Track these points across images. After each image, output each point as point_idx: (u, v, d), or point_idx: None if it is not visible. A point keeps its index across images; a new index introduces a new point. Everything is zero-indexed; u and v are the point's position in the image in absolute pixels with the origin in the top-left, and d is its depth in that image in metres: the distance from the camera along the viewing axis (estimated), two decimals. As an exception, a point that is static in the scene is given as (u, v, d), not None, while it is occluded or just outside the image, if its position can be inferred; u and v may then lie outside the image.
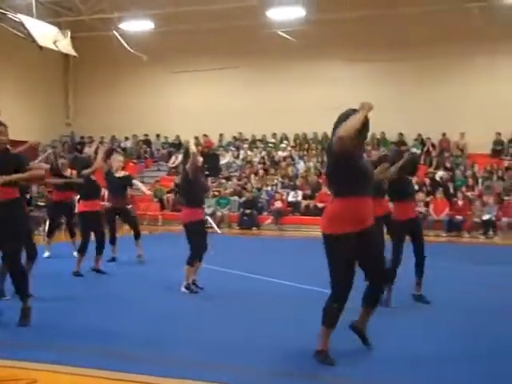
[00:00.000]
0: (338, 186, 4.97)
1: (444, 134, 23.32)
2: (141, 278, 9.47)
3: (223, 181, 22.88)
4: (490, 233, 18.60)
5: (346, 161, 4.87)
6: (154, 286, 8.62)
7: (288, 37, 22.39)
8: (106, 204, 11.06)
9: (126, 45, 22.54)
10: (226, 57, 24.83)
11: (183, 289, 8.12)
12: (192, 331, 6.09)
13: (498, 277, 10.12)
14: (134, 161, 26.04)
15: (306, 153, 24.06)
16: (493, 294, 8.38)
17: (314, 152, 23.94)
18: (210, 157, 23.04)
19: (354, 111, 4.87)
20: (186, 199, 8.30)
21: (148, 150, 26.57)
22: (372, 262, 5.07)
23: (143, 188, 11.85)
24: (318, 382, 4.69)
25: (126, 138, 27.20)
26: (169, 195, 22.42)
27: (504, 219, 18.52)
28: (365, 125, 4.87)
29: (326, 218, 4.98)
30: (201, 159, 8.30)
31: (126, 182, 11.09)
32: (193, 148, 8.07)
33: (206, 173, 21.16)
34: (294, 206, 21.06)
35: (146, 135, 26.88)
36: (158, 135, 26.82)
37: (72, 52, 19.58)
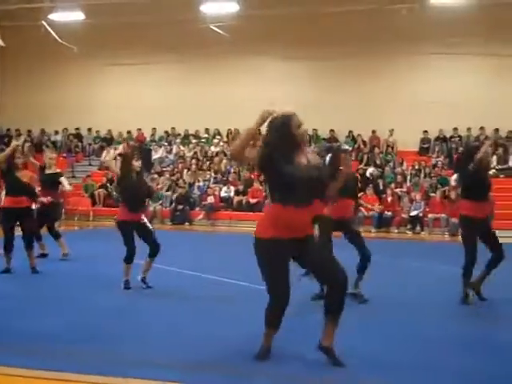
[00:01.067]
0: (269, 192, 4.97)
1: (374, 132, 23.80)
2: (75, 274, 9.30)
3: (155, 176, 22.69)
4: (418, 228, 19.10)
5: (265, 171, 4.83)
6: (89, 284, 8.49)
7: (221, 32, 22.37)
8: (45, 200, 10.69)
9: (55, 36, 22.07)
10: (159, 51, 24.59)
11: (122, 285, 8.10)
12: (128, 328, 6.03)
13: (426, 271, 10.41)
14: (64, 155, 25.53)
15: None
16: (424, 289, 8.61)
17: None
18: (143, 152, 22.90)
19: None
20: (120, 197, 8.52)
21: (79, 144, 26.10)
22: (318, 270, 4.90)
23: (65, 183, 11.52)
24: (250, 378, 4.72)
25: (56, 132, 26.65)
26: (100, 190, 22.09)
27: (430, 215, 19.04)
28: (283, 132, 4.69)
29: (259, 221, 4.98)
30: (137, 163, 8.15)
31: (56, 178, 10.91)
32: (111, 154, 8.16)
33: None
34: (226, 202, 21.11)
35: (77, 129, 26.40)
36: (89, 129, 26.39)
37: (0, 42, 19.07)
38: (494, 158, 20.03)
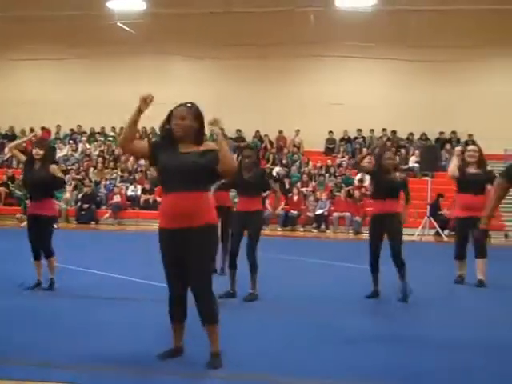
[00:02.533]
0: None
1: (281, 132, 24.14)
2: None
3: (60, 174, 22.13)
4: (323, 227, 19.53)
5: (148, 160, 4.95)
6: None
7: (128, 29, 22.12)
8: None
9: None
10: (66, 47, 23.98)
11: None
12: (29, 331, 5.90)
13: (331, 269, 10.67)
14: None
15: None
16: (328, 286, 8.83)
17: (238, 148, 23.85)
18: (46, 147, 22.27)
19: None
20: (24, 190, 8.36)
21: (-22, 140, 25.20)
22: (187, 266, 4.72)
23: None
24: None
25: (-45, 128, 25.64)
26: (1, 188, 21.38)
27: (335, 214, 19.50)
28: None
29: None
30: (38, 151, 7.93)
31: None
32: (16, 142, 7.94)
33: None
34: (133, 201, 20.89)
35: (-24, 125, 25.48)
36: (-11, 125, 25.52)
37: None
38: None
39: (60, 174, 8.23)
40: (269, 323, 6.31)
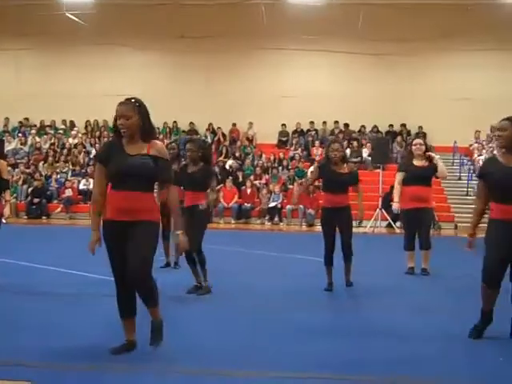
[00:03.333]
0: None
1: (234, 125, 24.14)
2: None
3: (9, 168, 21.75)
4: (276, 219, 19.61)
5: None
6: None
7: (78, 20, 21.80)
8: None
9: None
10: (14, 37, 23.57)
11: None
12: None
13: (286, 261, 10.75)
14: None
15: (97, 140, 23.61)
16: (279, 277, 8.89)
17: (105, 139, 23.55)
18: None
19: None
20: None
21: None
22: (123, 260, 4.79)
23: None
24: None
25: None
26: None
27: (288, 206, 19.61)
28: None
29: None
30: None
31: None
32: None
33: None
34: (85, 195, 20.64)
35: None
36: None
37: None
38: (348, 151, 20.89)
39: (6, 176, 7.83)
40: (225, 317, 6.33)
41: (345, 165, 7.84)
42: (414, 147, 9.14)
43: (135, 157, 4.74)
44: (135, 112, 4.75)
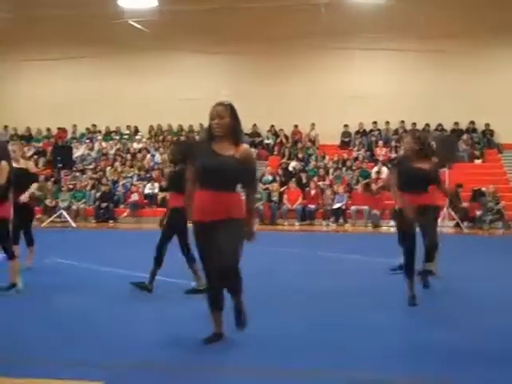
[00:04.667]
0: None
1: (296, 126, 24.08)
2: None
3: (77, 174, 22.29)
4: (341, 220, 19.45)
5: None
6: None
7: (140, 27, 22.14)
8: None
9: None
10: (78, 46, 24.11)
11: None
12: (60, 330, 5.93)
13: (349, 262, 10.63)
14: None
15: (161, 144, 23.94)
16: (348, 278, 8.80)
17: (169, 144, 23.86)
18: (63, 149, 22.44)
19: None
20: None
21: (-5, 142, 25.32)
22: (214, 256, 4.98)
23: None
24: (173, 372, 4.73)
25: (-29, 130, 25.83)
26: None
27: (353, 207, 19.42)
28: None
29: None
30: None
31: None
32: None
33: (59, 165, 20.72)
34: (150, 199, 20.93)
35: (-7, 126, 25.64)
36: (5, 126, 25.62)
37: None
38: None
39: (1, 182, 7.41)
40: (289, 317, 6.29)
41: (424, 162, 6.91)
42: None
43: (222, 156, 4.97)
44: (229, 114, 5.01)
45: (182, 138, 22.83)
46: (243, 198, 5.17)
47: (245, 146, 5.14)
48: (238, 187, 5.14)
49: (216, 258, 4.92)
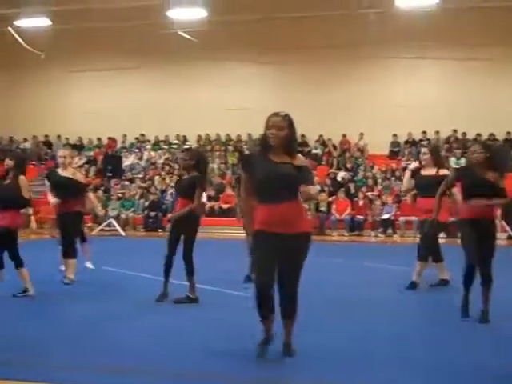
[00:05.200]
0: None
1: (344, 136, 23.93)
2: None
3: (127, 183, 22.56)
4: (390, 231, 19.21)
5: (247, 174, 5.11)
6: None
7: (189, 37, 22.32)
8: None
9: (22, 42, 21.82)
10: (127, 56, 24.45)
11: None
12: (104, 335, 5.96)
13: (399, 273, 10.46)
14: (34, 163, 25.28)
15: (209, 154, 24.05)
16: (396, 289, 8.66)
17: (217, 153, 23.98)
18: (113, 158, 22.77)
19: None
20: None
21: (49, 151, 25.80)
22: (281, 268, 4.97)
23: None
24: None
25: (25, 140, 26.36)
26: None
27: (402, 218, 19.16)
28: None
29: None
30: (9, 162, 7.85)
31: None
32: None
33: (109, 174, 21.02)
34: (198, 208, 20.98)
35: (47, 136, 26.12)
36: (58, 136, 26.09)
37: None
38: (463, 160, 20.20)
39: (26, 194, 7.79)
40: (334, 329, 6.20)
41: (490, 173, 6.63)
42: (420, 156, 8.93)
43: (281, 164, 4.91)
44: (286, 125, 4.95)
45: (189, 146, 22.74)
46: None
47: (299, 155, 5.08)
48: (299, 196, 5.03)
49: (284, 289, 4.95)
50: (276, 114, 5.00)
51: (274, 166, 4.90)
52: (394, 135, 23.52)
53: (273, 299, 5.03)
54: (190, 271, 7.57)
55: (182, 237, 7.64)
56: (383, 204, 19.72)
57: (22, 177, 7.74)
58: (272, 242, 4.89)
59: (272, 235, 4.88)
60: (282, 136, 4.90)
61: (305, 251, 5.00)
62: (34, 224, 9.16)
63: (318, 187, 7.58)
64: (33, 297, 7.78)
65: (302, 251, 4.98)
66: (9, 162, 7.76)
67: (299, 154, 5.07)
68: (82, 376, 4.71)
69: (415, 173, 8.92)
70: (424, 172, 8.64)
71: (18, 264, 7.76)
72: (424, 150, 9.08)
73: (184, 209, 7.53)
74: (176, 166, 23.54)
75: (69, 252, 8.83)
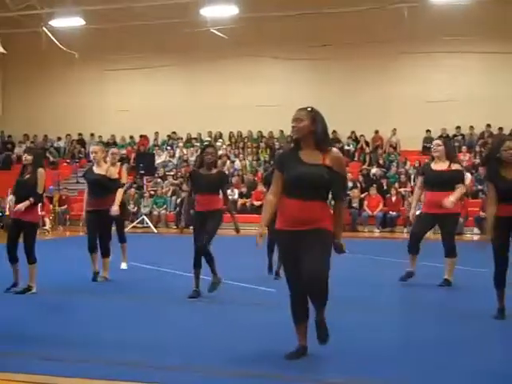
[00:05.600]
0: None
1: (377, 132, 23.76)
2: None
3: (159, 180, 22.70)
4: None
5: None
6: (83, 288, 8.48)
7: (221, 35, 22.35)
8: None
9: (56, 42, 22.07)
10: (160, 54, 24.60)
11: None
12: (135, 332, 6.00)
13: (432, 270, 10.35)
14: (68, 161, 25.61)
15: (241, 151, 24.09)
16: (429, 288, 8.57)
17: (249, 150, 23.99)
18: (146, 156, 22.92)
19: None
20: None
21: (82, 149, 26.07)
22: (302, 264, 4.82)
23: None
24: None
25: (59, 138, 26.67)
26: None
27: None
28: None
29: None
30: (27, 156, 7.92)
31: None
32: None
33: (142, 172, 21.18)
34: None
35: (80, 134, 26.39)
36: (92, 134, 26.35)
37: (0, 49, 19.05)
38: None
39: (41, 188, 7.86)
40: (380, 327, 6.16)
41: None
42: (431, 148, 8.45)
43: (310, 166, 4.84)
44: (308, 117, 4.89)
45: (209, 142, 22.67)
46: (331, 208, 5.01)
47: (334, 150, 4.96)
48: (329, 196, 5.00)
49: (306, 268, 4.75)
50: (300, 109, 4.98)
51: (304, 167, 4.84)
52: (428, 130, 23.26)
53: (307, 302, 4.95)
54: (211, 259, 7.77)
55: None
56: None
57: (40, 170, 7.82)
58: (295, 240, 4.82)
59: (295, 233, 4.80)
60: (301, 127, 4.84)
61: (327, 244, 4.86)
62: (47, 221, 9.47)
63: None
64: (36, 294, 7.83)
65: (324, 242, 4.82)
66: (27, 157, 7.86)
67: (333, 149, 4.96)
68: (121, 372, 4.75)
69: (423, 168, 8.74)
70: (435, 166, 8.30)
71: (33, 260, 7.83)
72: (437, 141, 8.60)
73: (214, 205, 7.57)
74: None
75: (105, 251, 8.96)
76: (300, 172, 4.82)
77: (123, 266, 10.20)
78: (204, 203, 7.72)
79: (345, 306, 6.69)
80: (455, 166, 8.31)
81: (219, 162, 23.30)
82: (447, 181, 8.08)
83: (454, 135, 23.19)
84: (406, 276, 8.44)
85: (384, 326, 6.23)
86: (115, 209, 8.86)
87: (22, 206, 7.67)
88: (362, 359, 5.04)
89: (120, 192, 9.19)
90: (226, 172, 22.62)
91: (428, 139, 23.41)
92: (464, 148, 22.12)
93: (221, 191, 7.83)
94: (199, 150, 24.32)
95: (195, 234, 7.75)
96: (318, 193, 4.83)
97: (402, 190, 20.39)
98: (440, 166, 8.25)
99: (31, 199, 7.69)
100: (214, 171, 7.73)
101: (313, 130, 4.86)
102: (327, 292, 4.84)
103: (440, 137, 22.20)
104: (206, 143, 24.88)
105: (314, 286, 4.78)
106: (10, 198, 8.29)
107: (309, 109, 4.96)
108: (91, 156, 9.11)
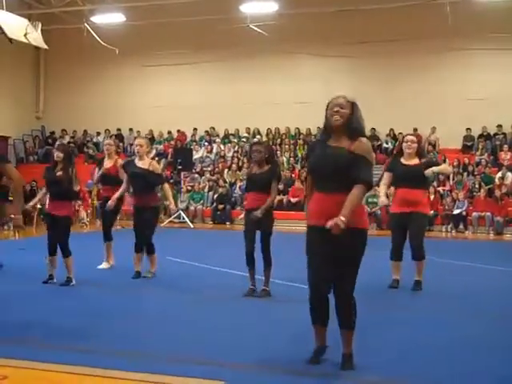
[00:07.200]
0: None
1: (415, 130, 23.47)
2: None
3: (196, 175, 22.82)
4: (461, 227, 18.81)
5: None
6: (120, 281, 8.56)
7: (261, 31, 22.35)
8: None
9: (97, 38, 22.31)
10: (199, 50, 24.70)
11: None
12: (172, 327, 6.05)
13: (469, 270, 10.24)
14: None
15: (279, 147, 24.05)
16: (466, 287, 8.47)
17: (287, 147, 23.95)
18: (183, 151, 23.07)
19: None
20: None
21: (120, 144, 26.31)
22: (335, 264, 4.57)
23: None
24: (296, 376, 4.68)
25: (98, 133, 26.97)
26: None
27: (474, 213, 18.73)
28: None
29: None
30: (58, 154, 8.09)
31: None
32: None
33: (179, 167, 21.33)
34: (267, 201, 21.02)
35: (119, 130, 26.65)
36: (130, 129, 26.59)
37: (42, 45, 19.31)
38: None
39: (76, 186, 8.21)
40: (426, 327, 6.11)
41: None
42: (404, 144, 8.05)
43: (334, 148, 4.63)
44: (348, 106, 4.74)
45: (258, 139, 22.59)
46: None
47: (362, 139, 4.67)
48: None
49: (335, 283, 4.55)
50: (338, 96, 4.82)
51: (328, 148, 4.64)
52: (468, 129, 22.96)
53: (328, 303, 4.67)
54: (269, 264, 7.56)
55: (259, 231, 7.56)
56: (454, 200, 19.29)
57: (74, 170, 8.09)
58: (324, 237, 4.46)
59: (324, 230, 4.39)
60: (344, 114, 4.66)
61: (359, 247, 4.56)
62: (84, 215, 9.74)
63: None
64: (74, 286, 8.02)
65: (354, 247, 4.54)
66: (59, 155, 8.05)
67: (363, 138, 4.69)
68: (154, 365, 4.79)
69: (389, 162, 8.51)
70: (406, 161, 7.99)
71: (68, 253, 8.05)
72: (411, 137, 8.14)
73: (262, 203, 7.51)
74: (245, 160, 23.65)
75: (149, 247, 8.90)
76: (324, 153, 4.63)
77: (104, 265, 9.76)
78: (252, 201, 7.57)
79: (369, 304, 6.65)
80: (425, 160, 8.15)
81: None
82: (420, 175, 7.83)
83: (495, 134, 22.84)
84: (392, 285, 8.14)
85: (412, 325, 6.17)
86: (172, 206, 9.61)
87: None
88: (395, 358, 5.01)
89: (167, 188, 9.33)
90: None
91: (468, 137, 23.13)
92: (505, 147, 21.79)
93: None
94: (236, 146, 24.62)
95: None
96: (343, 180, 4.48)
97: (440, 188, 20.16)
98: (411, 161, 7.98)
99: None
100: (266, 168, 7.49)
101: (351, 118, 4.69)
102: (354, 307, 4.63)
103: (415, 131, 21.69)
104: (242, 139, 25.07)
105: (343, 311, 4.61)
106: (44, 191, 8.61)
107: (346, 97, 4.83)
108: (135, 149, 8.96)
